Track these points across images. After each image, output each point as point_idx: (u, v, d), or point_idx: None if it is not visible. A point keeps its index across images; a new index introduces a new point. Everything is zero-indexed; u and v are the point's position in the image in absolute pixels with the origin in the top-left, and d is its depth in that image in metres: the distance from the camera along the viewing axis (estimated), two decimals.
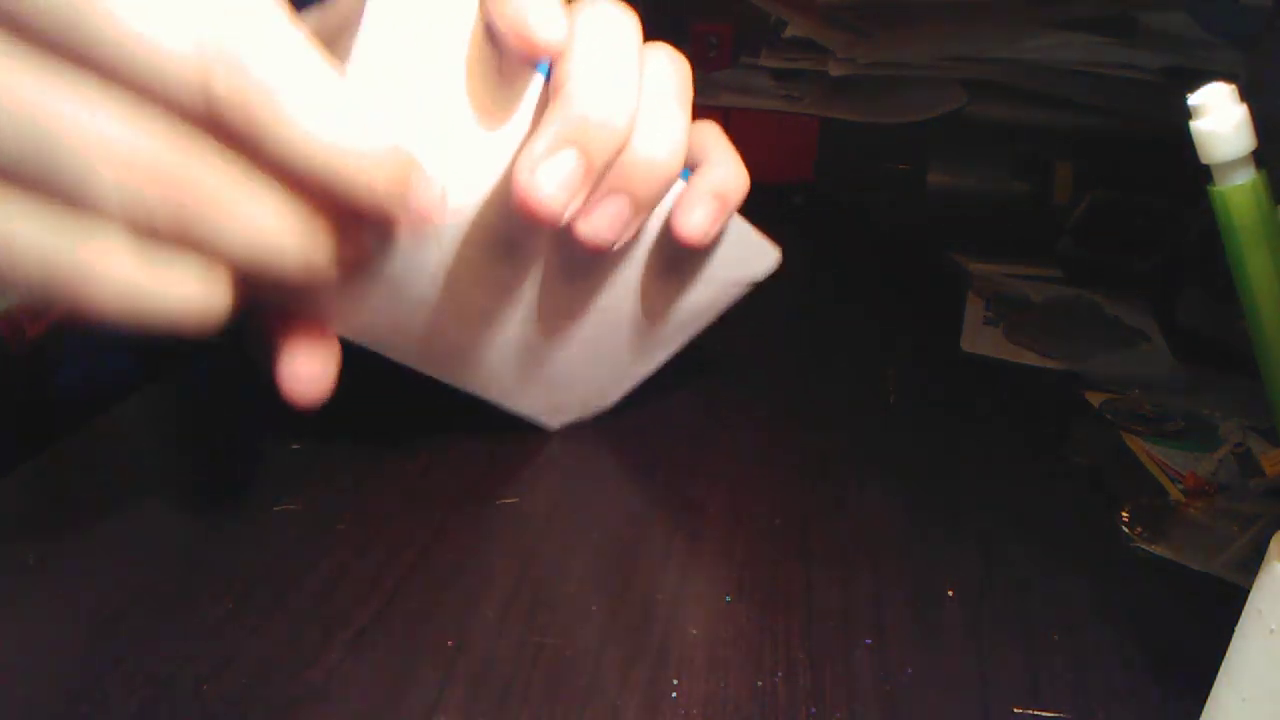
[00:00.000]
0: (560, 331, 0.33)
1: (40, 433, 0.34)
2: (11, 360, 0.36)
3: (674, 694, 0.24)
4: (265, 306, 0.27)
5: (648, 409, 0.37)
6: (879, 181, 0.65)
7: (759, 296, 0.35)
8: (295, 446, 0.34)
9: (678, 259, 0.32)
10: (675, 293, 0.34)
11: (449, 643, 0.25)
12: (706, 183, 0.30)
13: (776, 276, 0.35)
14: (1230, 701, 0.20)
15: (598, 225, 0.28)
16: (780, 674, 0.25)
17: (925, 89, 0.65)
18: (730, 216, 0.31)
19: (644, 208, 0.29)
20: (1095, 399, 0.41)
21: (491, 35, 0.26)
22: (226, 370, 0.39)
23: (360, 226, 0.24)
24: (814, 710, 0.24)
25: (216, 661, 0.24)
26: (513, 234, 0.29)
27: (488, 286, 0.30)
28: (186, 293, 0.21)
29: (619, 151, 0.27)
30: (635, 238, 0.31)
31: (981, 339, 0.47)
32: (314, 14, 0.27)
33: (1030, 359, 0.45)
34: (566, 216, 0.27)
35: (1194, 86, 0.20)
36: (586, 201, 0.27)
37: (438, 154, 0.26)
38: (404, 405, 0.36)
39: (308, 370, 0.26)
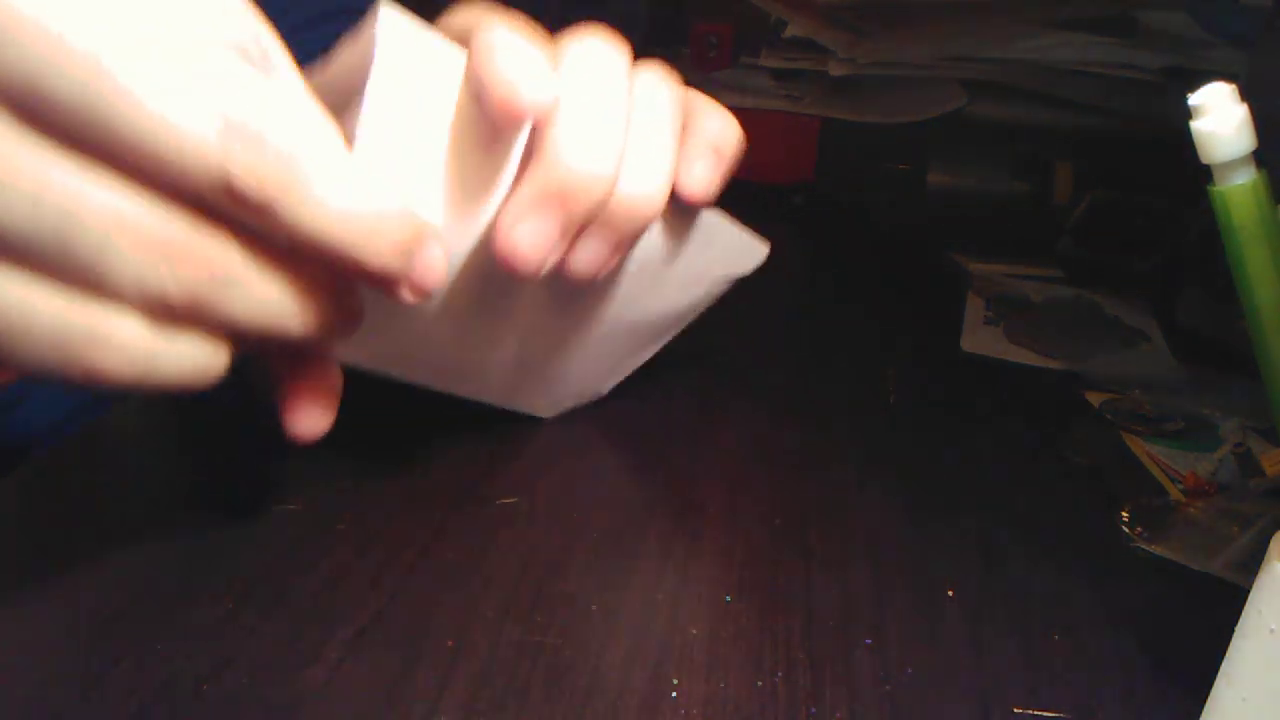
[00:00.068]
0: (556, 339, 0.33)
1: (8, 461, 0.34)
2: None
3: (674, 694, 0.24)
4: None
5: (647, 408, 0.37)
6: (879, 181, 0.65)
7: (759, 296, 0.35)
8: (295, 447, 0.34)
9: (671, 261, 0.33)
10: (668, 293, 0.34)
11: (449, 643, 0.25)
12: (699, 137, 0.30)
13: (777, 276, 0.35)
14: (1230, 701, 0.20)
15: (579, 264, 0.28)
16: (780, 674, 0.25)
17: (925, 89, 0.65)
18: (729, 166, 0.31)
19: (626, 244, 0.29)
20: (1095, 399, 0.41)
21: (477, 96, 0.25)
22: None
23: (356, 288, 0.24)
24: (814, 710, 0.24)
25: (216, 661, 0.24)
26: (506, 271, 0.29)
27: (486, 312, 0.30)
28: (193, 358, 0.22)
29: (602, 202, 0.27)
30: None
31: (981, 339, 0.47)
32: (316, 70, 0.27)
33: (1030, 359, 0.45)
34: (547, 269, 0.27)
35: (1194, 86, 0.20)
36: (570, 243, 0.28)
37: (437, 210, 0.26)
38: (404, 406, 0.36)
39: (308, 414, 0.26)
